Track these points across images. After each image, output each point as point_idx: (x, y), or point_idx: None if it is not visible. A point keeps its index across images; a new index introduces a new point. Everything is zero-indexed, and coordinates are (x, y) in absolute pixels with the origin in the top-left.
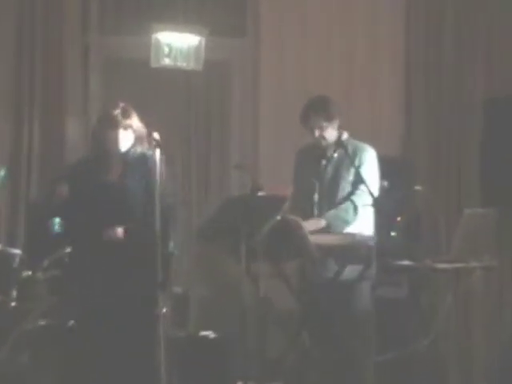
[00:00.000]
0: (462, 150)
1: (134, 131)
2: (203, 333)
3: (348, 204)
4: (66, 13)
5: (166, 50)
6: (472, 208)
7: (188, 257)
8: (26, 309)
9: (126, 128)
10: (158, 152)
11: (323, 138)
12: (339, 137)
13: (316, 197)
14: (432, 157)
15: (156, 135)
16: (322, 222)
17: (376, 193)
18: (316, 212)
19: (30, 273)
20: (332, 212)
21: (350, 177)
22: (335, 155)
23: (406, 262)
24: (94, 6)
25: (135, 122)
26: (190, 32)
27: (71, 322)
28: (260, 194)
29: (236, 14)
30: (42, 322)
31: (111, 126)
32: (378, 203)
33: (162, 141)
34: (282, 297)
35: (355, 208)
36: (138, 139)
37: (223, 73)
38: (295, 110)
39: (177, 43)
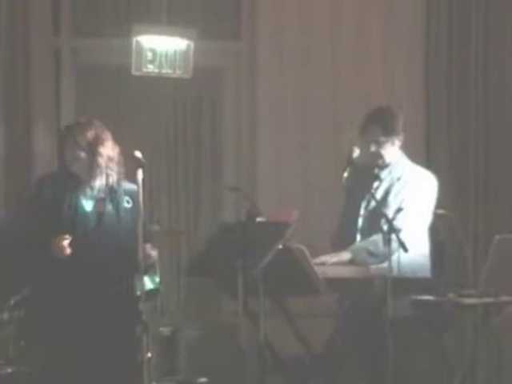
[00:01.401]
0: (492, 165)
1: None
2: (194, 380)
3: (379, 236)
4: (34, 11)
5: (150, 55)
6: (503, 234)
7: (176, 293)
8: None
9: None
10: (140, 172)
11: (379, 155)
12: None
13: (360, 222)
14: (456, 174)
15: (138, 153)
16: (346, 255)
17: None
18: (358, 240)
19: None
20: (358, 244)
21: (396, 205)
22: (388, 177)
23: (427, 297)
24: (65, 4)
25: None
26: (177, 35)
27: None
28: (259, 220)
29: (229, 14)
30: (8, 370)
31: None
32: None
33: (145, 159)
34: (285, 340)
35: (387, 241)
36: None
37: (215, 81)
38: (297, 122)
39: (161, 48)
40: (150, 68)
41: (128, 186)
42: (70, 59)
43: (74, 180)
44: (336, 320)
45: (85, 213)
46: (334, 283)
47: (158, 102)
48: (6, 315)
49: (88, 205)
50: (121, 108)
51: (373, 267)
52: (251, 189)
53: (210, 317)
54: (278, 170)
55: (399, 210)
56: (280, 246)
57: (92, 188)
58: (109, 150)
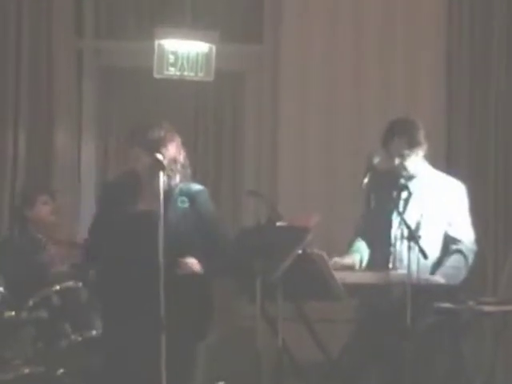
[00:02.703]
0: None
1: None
2: None
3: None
4: (57, 13)
5: (172, 58)
6: None
7: None
8: (7, 355)
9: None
10: (161, 175)
11: (404, 167)
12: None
13: (393, 234)
14: (476, 181)
15: (159, 156)
16: (356, 258)
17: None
18: (393, 251)
19: (12, 313)
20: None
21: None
22: (418, 189)
23: (446, 305)
24: (89, 6)
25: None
26: (199, 38)
27: (60, 371)
28: (279, 224)
29: (252, 17)
30: (26, 371)
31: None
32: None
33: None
34: (302, 344)
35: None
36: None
37: (237, 84)
38: (319, 126)
39: (183, 51)
40: (172, 71)
41: (188, 186)
42: (93, 61)
43: (137, 182)
44: (354, 325)
45: (138, 213)
46: (353, 289)
47: (180, 105)
48: (24, 315)
49: (142, 205)
50: (142, 110)
51: (392, 273)
52: (272, 193)
53: (227, 321)
54: (300, 173)
55: (418, 224)
56: (299, 251)
57: (152, 189)
58: (172, 151)
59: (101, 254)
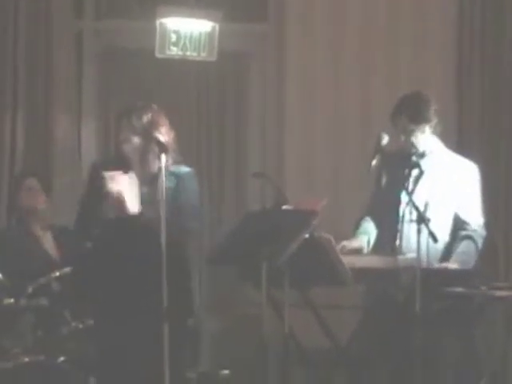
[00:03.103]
0: None
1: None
2: (217, 372)
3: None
4: None
5: (174, 37)
6: None
7: (199, 283)
8: (6, 343)
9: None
10: (163, 157)
11: (411, 143)
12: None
13: (402, 212)
14: (487, 166)
15: (161, 138)
16: (364, 240)
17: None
18: (400, 229)
19: (11, 300)
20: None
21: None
22: (429, 167)
23: (457, 289)
24: None
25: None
26: (202, 17)
27: (60, 359)
28: (285, 208)
29: None
30: (26, 359)
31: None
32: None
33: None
34: (309, 331)
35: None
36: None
37: (241, 64)
38: (326, 108)
39: (186, 30)
40: (174, 50)
41: (177, 168)
42: (93, 42)
43: (126, 164)
44: (362, 312)
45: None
46: (360, 274)
47: (182, 85)
48: (23, 302)
49: None
50: (144, 91)
51: (401, 257)
52: (278, 176)
53: (232, 307)
54: (306, 155)
55: (427, 204)
56: (306, 235)
57: (143, 171)
58: (164, 135)
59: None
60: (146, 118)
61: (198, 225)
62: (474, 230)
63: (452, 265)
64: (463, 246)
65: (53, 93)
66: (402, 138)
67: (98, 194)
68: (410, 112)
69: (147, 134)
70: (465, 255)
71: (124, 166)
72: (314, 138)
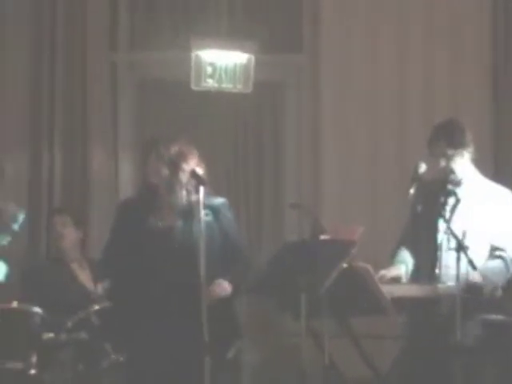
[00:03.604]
0: None
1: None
2: None
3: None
4: (90, 25)
5: (209, 69)
6: None
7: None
8: (47, 378)
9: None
10: (201, 190)
11: (450, 169)
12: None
13: (440, 240)
14: None
15: (199, 170)
16: (402, 269)
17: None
18: (439, 257)
19: (51, 335)
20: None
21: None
22: (466, 195)
23: (493, 316)
24: (124, 17)
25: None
26: (237, 49)
27: None
28: (322, 237)
29: (291, 26)
30: None
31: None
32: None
33: (206, 177)
34: (350, 361)
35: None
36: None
37: (276, 95)
38: (362, 137)
39: (221, 62)
40: (210, 82)
41: (210, 199)
42: (128, 74)
43: (156, 196)
44: (403, 341)
45: (156, 228)
46: (400, 303)
47: (218, 117)
48: (63, 336)
49: (163, 220)
50: (180, 124)
51: (441, 286)
52: (314, 205)
53: (272, 338)
54: (343, 185)
55: (464, 233)
56: (345, 265)
57: (171, 204)
58: (192, 165)
59: (117, 271)
60: (173, 149)
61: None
62: (507, 253)
63: (477, 276)
64: (492, 263)
65: (89, 126)
66: (442, 163)
67: (123, 232)
68: (448, 137)
69: (175, 165)
70: (492, 271)
71: (151, 200)
72: (350, 166)
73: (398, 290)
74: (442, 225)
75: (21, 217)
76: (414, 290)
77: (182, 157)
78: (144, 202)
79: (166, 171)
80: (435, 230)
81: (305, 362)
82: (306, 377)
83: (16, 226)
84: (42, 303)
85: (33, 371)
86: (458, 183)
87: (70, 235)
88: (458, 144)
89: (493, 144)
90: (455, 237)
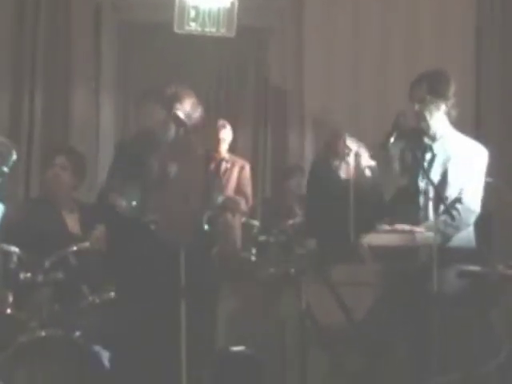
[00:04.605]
0: None
1: None
2: (233, 349)
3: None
4: None
5: (193, 12)
6: None
7: None
8: (23, 317)
9: None
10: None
11: (423, 116)
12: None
13: (422, 199)
14: (505, 140)
15: (180, 113)
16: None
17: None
18: (421, 217)
19: (28, 275)
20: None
21: (457, 184)
22: (442, 152)
23: (474, 268)
24: None
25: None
26: None
27: (77, 333)
28: None
29: None
30: (42, 333)
31: None
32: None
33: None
34: (326, 308)
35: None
36: None
37: (260, 40)
38: (345, 83)
39: (205, 5)
40: (193, 26)
41: None
42: (111, 16)
43: (153, 138)
44: (379, 290)
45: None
46: (378, 251)
47: (201, 61)
48: (40, 277)
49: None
50: (161, 66)
51: (418, 235)
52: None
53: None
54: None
55: (457, 199)
56: None
57: (167, 145)
58: (187, 107)
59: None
60: (169, 90)
61: None
62: (463, 204)
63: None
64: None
65: (71, 68)
66: (416, 107)
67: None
68: (432, 82)
69: (169, 105)
70: (441, 224)
71: (150, 142)
72: (332, 112)
73: (376, 238)
74: (421, 180)
75: (11, 158)
76: (392, 239)
77: (176, 98)
78: (144, 146)
79: (160, 114)
80: (415, 184)
81: (282, 308)
82: (282, 324)
83: (6, 168)
84: (22, 243)
85: (9, 311)
86: (433, 139)
87: (66, 178)
88: (439, 92)
89: (474, 103)
90: (434, 186)
